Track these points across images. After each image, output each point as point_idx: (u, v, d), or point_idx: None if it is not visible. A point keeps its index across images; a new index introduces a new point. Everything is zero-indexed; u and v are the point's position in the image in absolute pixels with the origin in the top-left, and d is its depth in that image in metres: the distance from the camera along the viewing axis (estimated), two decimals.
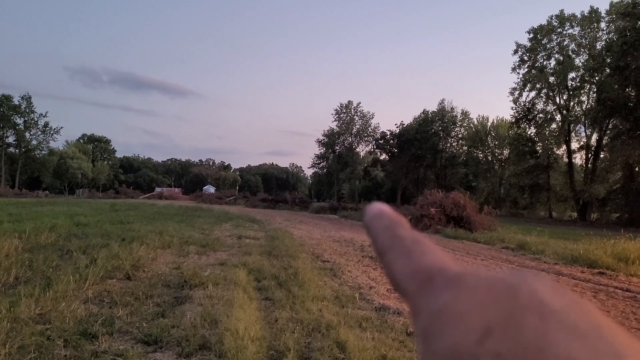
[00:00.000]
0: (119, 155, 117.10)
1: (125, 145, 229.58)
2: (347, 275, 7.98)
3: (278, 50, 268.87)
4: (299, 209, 42.83)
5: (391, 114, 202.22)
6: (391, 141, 66.20)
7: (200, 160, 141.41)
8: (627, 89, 36.80)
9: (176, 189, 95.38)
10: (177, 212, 23.61)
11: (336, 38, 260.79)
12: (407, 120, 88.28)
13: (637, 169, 41.08)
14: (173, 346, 4.07)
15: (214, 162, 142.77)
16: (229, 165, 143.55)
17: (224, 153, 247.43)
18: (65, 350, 3.85)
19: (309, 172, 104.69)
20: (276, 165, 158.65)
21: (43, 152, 72.50)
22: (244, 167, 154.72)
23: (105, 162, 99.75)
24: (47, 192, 66.39)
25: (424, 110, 67.64)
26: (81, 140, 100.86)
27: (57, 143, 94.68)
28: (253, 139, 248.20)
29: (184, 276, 6.64)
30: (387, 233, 0.32)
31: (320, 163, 77.78)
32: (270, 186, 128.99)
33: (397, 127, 66.28)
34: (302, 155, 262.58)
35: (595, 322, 0.23)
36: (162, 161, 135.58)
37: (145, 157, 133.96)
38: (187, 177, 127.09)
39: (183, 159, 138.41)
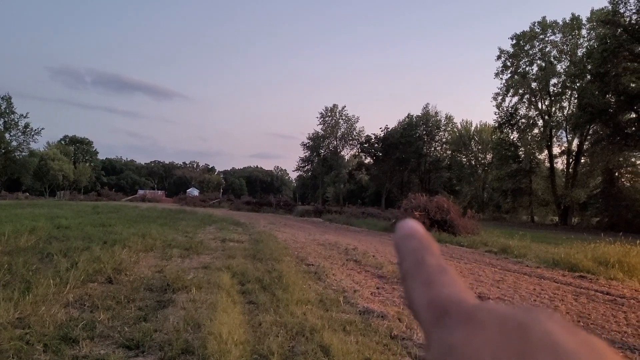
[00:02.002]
0: (101, 157, 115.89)
1: (108, 147, 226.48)
2: (332, 279, 7.98)
3: (264, 53, 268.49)
4: (283, 212, 42.76)
5: (376, 118, 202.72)
6: (376, 145, 66.47)
7: (184, 163, 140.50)
8: (607, 95, 37.47)
9: (159, 191, 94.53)
10: (160, 215, 23.39)
11: (322, 41, 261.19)
12: (392, 124, 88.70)
13: (616, 174, 41.84)
14: (155, 351, 4.03)
15: (198, 165, 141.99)
16: (213, 167, 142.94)
17: (209, 155, 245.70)
18: (45, 355, 3.79)
19: (293, 175, 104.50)
20: (261, 168, 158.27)
21: (23, 153, 71.14)
22: (229, 169, 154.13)
23: (87, 164, 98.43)
24: (27, 194, 65.33)
25: (408, 114, 68.16)
26: (63, 142, 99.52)
27: (38, 144, 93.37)
28: (238, 142, 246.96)
29: (166, 280, 6.58)
30: (413, 257, 0.32)
31: (305, 166, 77.80)
32: (254, 189, 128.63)
33: (381, 131, 66.68)
34: (287, 158, 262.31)
35: None
36: (145, 163, 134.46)
37: (128, 159, 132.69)
38: (171, 179, 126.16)
39: (167, 161, 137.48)
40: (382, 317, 5.53)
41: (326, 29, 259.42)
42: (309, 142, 75.22)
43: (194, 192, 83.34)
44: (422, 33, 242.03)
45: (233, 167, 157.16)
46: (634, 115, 37.07)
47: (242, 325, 4.77)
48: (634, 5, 35.04)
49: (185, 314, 4.99)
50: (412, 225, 0.35)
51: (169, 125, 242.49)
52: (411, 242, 0.33)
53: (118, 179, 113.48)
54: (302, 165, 77.89)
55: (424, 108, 67.45)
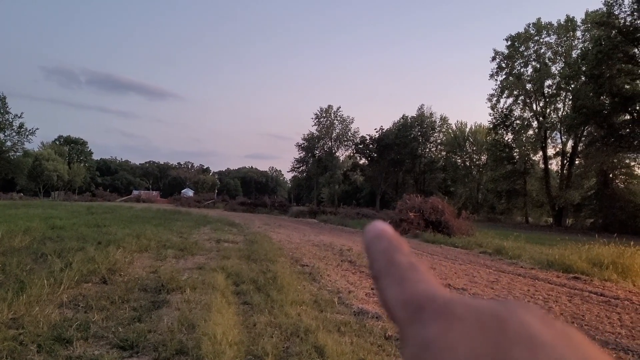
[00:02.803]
0: (95, 157, 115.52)
1: (102, 147, 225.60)
2: (326, 280, 7.98)
3: (259, 53, 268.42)
4: (278, 212, 42.75)
5: (371, 119, 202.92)
6: (371, 146, 66.51)
7: (178, 163, 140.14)
8: (602, 97, 37.59)
9: (154, 192, 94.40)
10: (154, 216, 23.33)
11: (317, 43, 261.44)
12: (387, 125, 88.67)
13: (610, 175, 42.00)
14: (149, 351, 4.02)
15: (192, 165, 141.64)
16: (207, 168, 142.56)
17: (203, 156, 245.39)
18: (39, 355, 3.78)
19: (288, 176, 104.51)
20: (255, 168, 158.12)
21: (18, 153, 70.78)
22: (223, 170, 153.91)
23: (82, 164, 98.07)
24: (22, 194, 65.07)
25: (403, 115, 68.23)
26: (57, 142, 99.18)
27: (32, 144, 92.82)
28: (233, 142, 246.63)
29: (161, 280, 6.56)
30: (384, 257, 0.32)
31: (300, 167, 77.79)
32: (249, 190, 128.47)
33: (376, 132, 66.68)
34: (281, 159, 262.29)
35: (584, 354, 0.23)
36: (140, 164, 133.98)
37: (123, 160, 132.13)
38: (166, 180, 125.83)
39: (161, 162, 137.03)
40: (376, 318, 5.53)
41: (322, 30, 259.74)
42: (304, 143, 75.23)
43: (188, 192, 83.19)
44: (417, 34, 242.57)
45: (228, 168, 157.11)
46: (629, 117, 37.24)
47: (237, 326, 4.76)
48: (629, 7, 35.22)
49: (180, 314, 4.98)
50: (381, 227, 0.35)
51: (164, 125, 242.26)
52: (381, 243, 0.33)
53: (113, 179, 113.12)
54: (297, 166, 77.89)
55: (419, 109, 67.60)
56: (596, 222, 40.80)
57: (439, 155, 67.36)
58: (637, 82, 37.06)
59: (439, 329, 0.25)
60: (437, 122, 67.03)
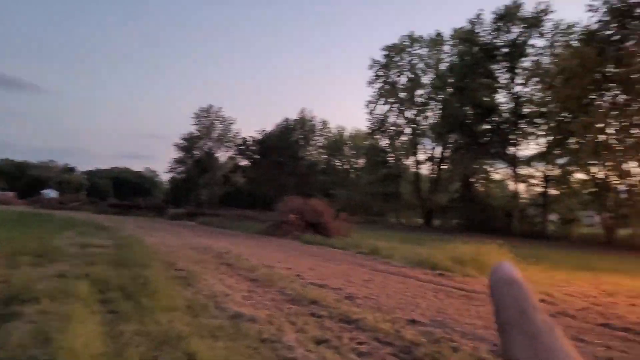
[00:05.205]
0: None
1: None
2: (203, 284, 7.71)
3: (139, 49, 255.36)
4: (153, 215, 40.94)
5: (253, 121, 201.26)
6: (252, 147, 66.25)
7: (40, 162, 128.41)
8: (466, 108, 41.01)
9: (9, 192, 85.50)
10: (9, 218, 21.12)
11: (199, 41, 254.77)
12: (269, 127, 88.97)
13: (472, 180, 45.87)
14: None
15: (56, 164, 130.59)
16: (73, 167, 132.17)
17: (69, 155, 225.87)
18: None
19: (166, 177, 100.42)
20: (129, 169, 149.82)
21: None
22: (93, 169, 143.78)
23: None
24: None
25: (285, 118, 68.91)
26: None
27: None
28: (104, 140, 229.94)
29: (12, 290, 5.89)
30: (515, 306, 0.29)
31: (178, 168, 75.39)
32: (122, 191, 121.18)
33: (259, 134, 66.60)
34: (158, 159, 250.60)
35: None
36: None
37: None
38: (24, 180, 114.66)
39: (19, 160, 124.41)
40: (252, 320, 5.43)
41: (204, 29, 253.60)
42: (183, 143, 73.06)
43: (50, 193, 76.53)
44: (298, 38, 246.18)
45: (98, 167, 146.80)
46: (488, 127, 41.00)
47: (101, 337, 4.40)
48: (489, 27, 38.97)
49: (34, 327, 4.49)
50: (510, 271, 0.32)
51: (20, 119, 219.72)
52: (512, 290, 0.30)
53: None
54: (175, 166, 75.41)
55: (300, 112, 68.69)
56: (460, 223, 44.29)
57: (320, 158, 68.93)
58: (494, 95, 40.97)
59: None
60: (318, 125, 68.61)
